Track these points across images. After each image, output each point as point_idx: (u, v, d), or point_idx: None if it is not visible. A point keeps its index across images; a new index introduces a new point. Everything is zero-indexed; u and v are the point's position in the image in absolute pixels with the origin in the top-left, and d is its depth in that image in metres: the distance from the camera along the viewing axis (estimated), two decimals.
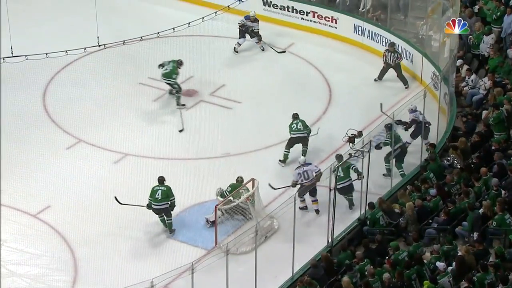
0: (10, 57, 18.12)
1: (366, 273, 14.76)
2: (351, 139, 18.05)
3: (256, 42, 22.69)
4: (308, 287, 14.86)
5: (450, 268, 14.68)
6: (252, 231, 15.60)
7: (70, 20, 23.62)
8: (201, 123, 20.28)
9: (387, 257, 15.22)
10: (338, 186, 16.21)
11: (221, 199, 17.23)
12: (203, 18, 20.58)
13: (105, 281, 15.80)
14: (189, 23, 20.32)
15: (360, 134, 18.27)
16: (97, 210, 17.60)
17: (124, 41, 20.29)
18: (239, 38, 22.58)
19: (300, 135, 18.45)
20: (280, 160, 18.51)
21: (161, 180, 17.37)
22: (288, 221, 15.97)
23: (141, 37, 20.14)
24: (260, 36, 22.64)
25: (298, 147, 18.77)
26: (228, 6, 21.73)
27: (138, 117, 20.61)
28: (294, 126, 18.48)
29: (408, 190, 16.98)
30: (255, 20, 22.80)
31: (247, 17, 22.74)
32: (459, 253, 14.79)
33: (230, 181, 17.56)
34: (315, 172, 17.24)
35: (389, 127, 17.67)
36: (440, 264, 14.60)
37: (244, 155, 19.28)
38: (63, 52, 18.88)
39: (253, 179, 17.24)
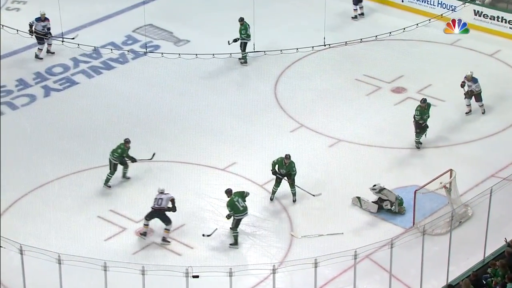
0: (252, 52, 18.70)
1: None
2: None
3: None
4: (501, 269, 13.74)
5: None
6: (448, 216, 14.89)
7: (302, 23, 23.67)
8: (405, 117, 19.36)
9: None
10: None
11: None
12: (417, 25, 20.19)
13: (315, 248, 15.33)
14: (404, 29, 19.94)
15: None
16: (313, 187, 17.25)
17: (346, 42, 20.41)
18: None
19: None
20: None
21: None
22: (482, 210, 14.95)
23: (361, 39, 20.04)
24: None
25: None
26: (442, 15, 21.27)
27: (352, 108, 20.27)
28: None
29: None
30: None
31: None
32: None
33: (429, 171, 16.87)
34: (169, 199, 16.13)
35: None
36: None
37: (442, 148, 18.43)
38: (295, 49, 19.24)
39: (451, 170, 16.32)
